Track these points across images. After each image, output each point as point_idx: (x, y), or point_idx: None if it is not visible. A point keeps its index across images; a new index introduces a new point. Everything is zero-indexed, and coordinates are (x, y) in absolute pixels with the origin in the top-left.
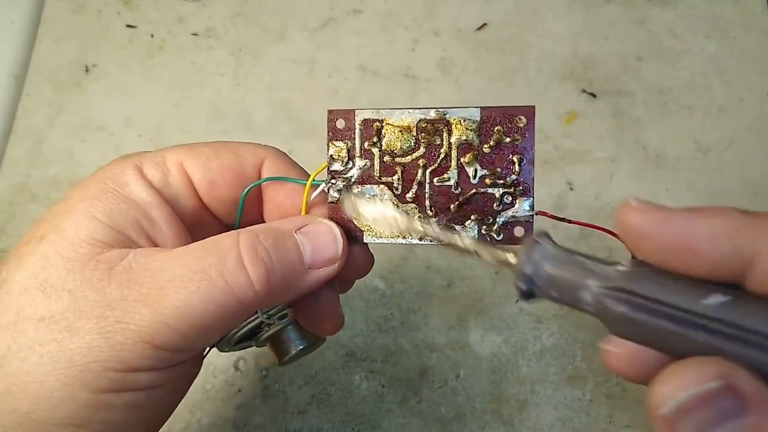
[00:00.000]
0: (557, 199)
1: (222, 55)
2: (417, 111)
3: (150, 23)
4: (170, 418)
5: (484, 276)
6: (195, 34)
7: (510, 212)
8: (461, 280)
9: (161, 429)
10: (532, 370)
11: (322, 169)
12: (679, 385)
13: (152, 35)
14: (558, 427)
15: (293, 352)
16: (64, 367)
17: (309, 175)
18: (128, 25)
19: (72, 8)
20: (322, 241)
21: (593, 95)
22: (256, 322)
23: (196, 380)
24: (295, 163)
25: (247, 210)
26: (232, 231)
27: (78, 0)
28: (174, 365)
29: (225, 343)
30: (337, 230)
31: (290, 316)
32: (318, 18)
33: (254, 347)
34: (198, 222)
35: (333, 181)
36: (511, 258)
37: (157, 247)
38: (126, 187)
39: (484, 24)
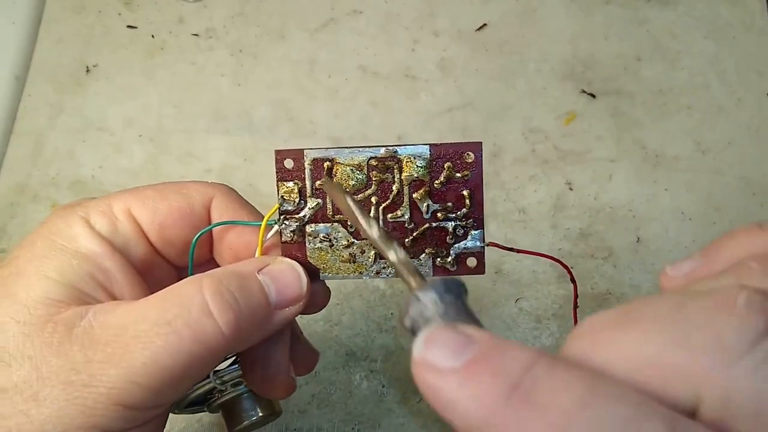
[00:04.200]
0: (557, 199)
1: (222, 56)
2: (367, 149)
3: (151, 24)
4: (172, 417)
5: (483, 276)
6: (195, 35)
7: (462, 244)
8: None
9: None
10: None
11: (274, 211)
12: None
13: (153, 36)
14: None
15: (246, 422)
16: None
17: (260, 214)
18: (129, 26)
19: (73, 9)
20: (286, 280)
21: (592, 95)
22: (208, 386)
23: None
24: (245, 200)
25: (198, 251)
26: (192, 277)
27: (79, 0)
28: (147, 421)
29: (176, 405)
30: (299, 268)
31: (245, 384)
32: (318, 18)
33: (206, 412)
34: (150, 267)
35: (286, 222)
36: (414, 286)
37: (114, 299)
38: (75, 240)
39: (484, 24)
